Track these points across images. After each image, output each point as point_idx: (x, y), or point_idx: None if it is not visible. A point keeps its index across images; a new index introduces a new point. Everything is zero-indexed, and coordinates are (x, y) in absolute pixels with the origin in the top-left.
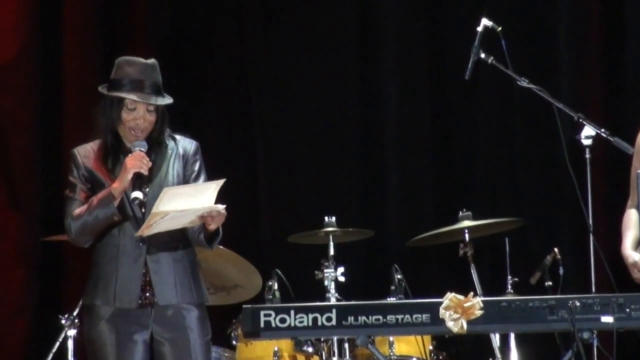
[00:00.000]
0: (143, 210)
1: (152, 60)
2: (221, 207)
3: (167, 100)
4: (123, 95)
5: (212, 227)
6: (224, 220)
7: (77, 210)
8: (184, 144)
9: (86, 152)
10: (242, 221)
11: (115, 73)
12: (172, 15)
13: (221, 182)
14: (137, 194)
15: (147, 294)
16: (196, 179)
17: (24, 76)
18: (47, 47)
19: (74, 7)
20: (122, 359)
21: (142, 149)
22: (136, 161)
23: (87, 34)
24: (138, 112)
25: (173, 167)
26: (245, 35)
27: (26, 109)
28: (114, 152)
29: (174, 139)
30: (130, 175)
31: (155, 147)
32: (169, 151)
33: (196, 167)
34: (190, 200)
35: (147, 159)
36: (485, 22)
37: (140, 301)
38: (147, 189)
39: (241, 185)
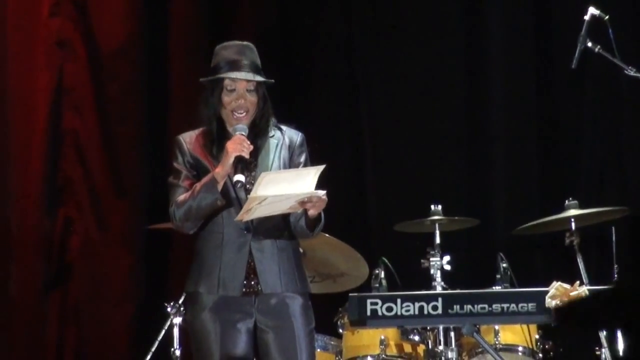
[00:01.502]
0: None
1: (248, 42)
2: (322, 193)
3: (265, 78)
4: (221, 75)
5: (313, 212)
6: (325, 206)
7: (181, 197)
8: (290, 134)
9: (191, 139)
10: (348, 209)
11: (214, 60)
12: (278, 2)
13: (321, 167)
14: (240, 177)
15: (252, 282)
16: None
17: (130, 64)
18: (153, 36)
19: None
20: (226, 347)
21: (243, 133)
22: (237, 145)
23: (192, 22)
24: (237, 91)
25: (279, 157)
26: (352, 21)
27: (132, 96)
28: (218, 139)
29: (280, 129)
30: (231, 159)
31: (261, 135)
32: (276, 140)
33: (302, 159)
34: (289, 186)
35: (248, 142)
36: (592, 10)
37: (244, 289)
38: (254, 176)
39: (348, 173)
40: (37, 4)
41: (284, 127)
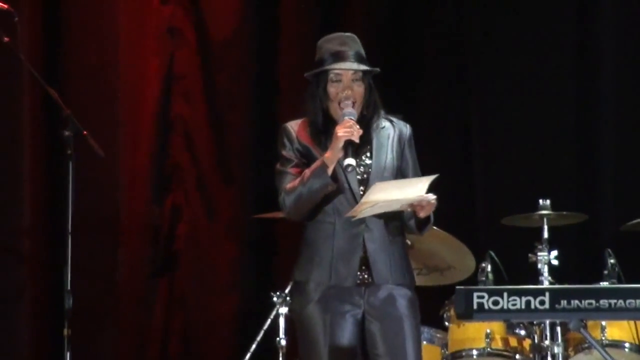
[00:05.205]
0: (362, 189)
1: (350, 33)
2: (432, 197)
3: (371, 67)
4: (326, 67)
5: (422, 215)
6: (434, 208)
7: (290, 184)
8: (399, 126)
9: (299, 127)
10: (457, 203)
11: (318, 53)
12: None
13: (432, 177)
14: (350, 161)
15: (364, 273)
16: (414, 164)
17: (240, 53)
18: (264, 26)
19: None
20: (333, 337)
21: (352, 117)
22: (346, 128)
23: (303, 13)
24: (343, 82)
25: (392, 149)
26: (463, 14)
27: (241, 85)
28: (325, 130)
29: (391, 121)
30: (341, 143)
31: (370, 125)
32: (387, 132)
33: (412, 152)
34: (399, 192)
35: (358, 126)
36: None
37: (357, 280)
38: (370, 164)
39: (456, 167)
40: None
41: (393, 119)
